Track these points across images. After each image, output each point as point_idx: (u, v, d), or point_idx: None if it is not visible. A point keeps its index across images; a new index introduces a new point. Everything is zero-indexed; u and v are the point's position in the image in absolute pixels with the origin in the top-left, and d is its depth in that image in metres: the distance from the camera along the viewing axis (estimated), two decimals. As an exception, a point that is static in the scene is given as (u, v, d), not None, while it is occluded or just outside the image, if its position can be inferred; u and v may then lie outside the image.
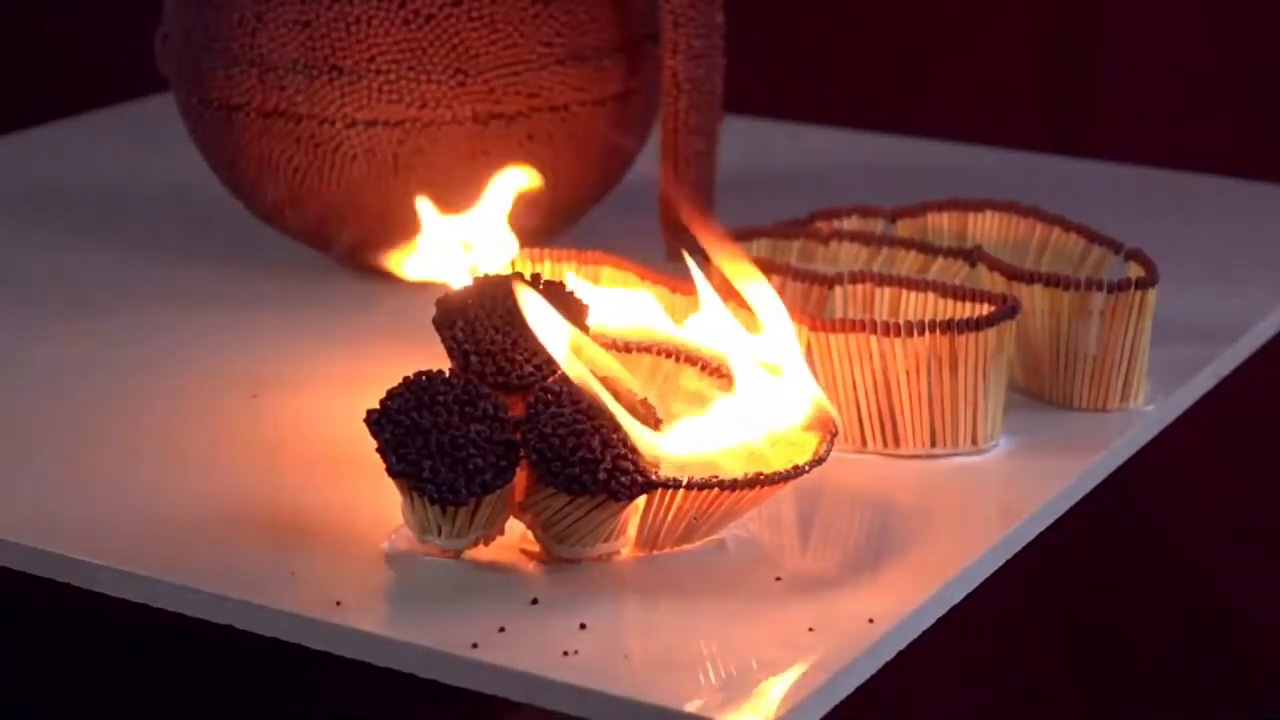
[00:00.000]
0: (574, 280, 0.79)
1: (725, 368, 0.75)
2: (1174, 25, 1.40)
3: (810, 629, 0.66)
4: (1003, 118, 1.46)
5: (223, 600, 0.69)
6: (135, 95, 1.29)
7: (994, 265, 0.86)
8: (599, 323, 0.77)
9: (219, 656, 1.23)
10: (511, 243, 0.82)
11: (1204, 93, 1.41)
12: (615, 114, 0.97)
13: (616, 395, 0.70)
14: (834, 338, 0.79)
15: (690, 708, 0.62)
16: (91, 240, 1.07)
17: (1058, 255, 0.90)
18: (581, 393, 0.70)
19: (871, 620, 0.67)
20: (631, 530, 0.71)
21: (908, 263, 0.89)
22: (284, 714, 1.28)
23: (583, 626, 0.66)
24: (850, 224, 0.93)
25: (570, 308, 0.74)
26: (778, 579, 0.70)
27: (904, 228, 0.93)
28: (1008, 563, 0.74)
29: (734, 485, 0.69)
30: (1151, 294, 0.83)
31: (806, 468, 0.70)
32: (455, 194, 0.84)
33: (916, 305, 0.83)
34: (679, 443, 0.71)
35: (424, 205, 0.82)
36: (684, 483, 0.69)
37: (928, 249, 0.89)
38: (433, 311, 0.76)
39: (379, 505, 0.73)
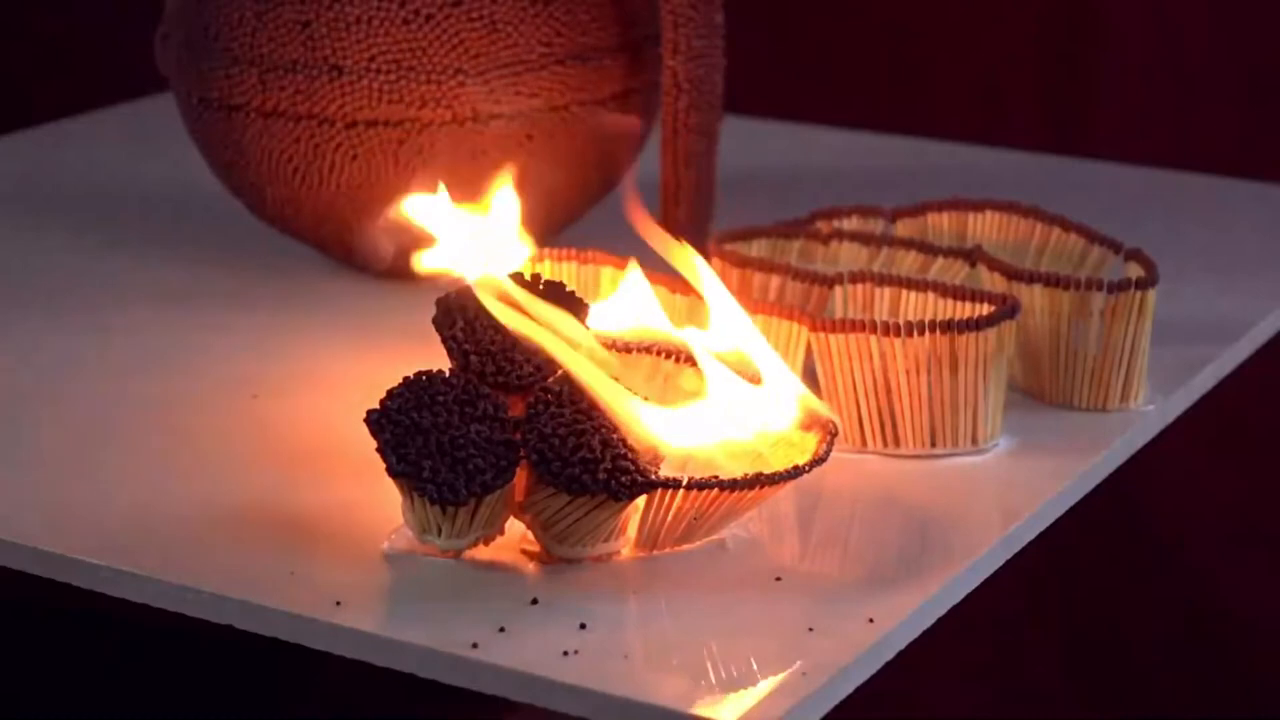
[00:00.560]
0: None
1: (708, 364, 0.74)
2: (1174, 25, 1.40)
3: (810, 629, 0.66)
4: (1003, 118, 1.46)
5: (223, 600, 0.69)
6: (135, 95, 1.29)
7: (994, 265, 0.86)
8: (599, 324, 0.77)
9: (219, 656, 1.23)
10: (524, 245, 0.81)
11: (1204, 93, 1.41)
12: (615, 114, 0.97)
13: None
14: (834, 338, 0.79)
15: (690, 708, 0.62)
16: (91, 240, 1.07)
17: (1058, 255, 0.90)
18: (571, 382, 0.70)
19: (871, 620, 0.67)
20: (631, 530, 0.71)
21: (908, 263, 0.89)
22: (284, 714, 1.28)
23: (583, 626, 0.66)
24: (850, 224, 0.93)
25: (571, 308, 0.74)
26: (778, 579, 0.70)
27: (904, 228, 0.93)
28: (1008, 563, 0.74)
29: (734, 485, 0.69)
30: (1151, 294, 0.83)
31: (806, 468, 0.70)
32: (455, 194, 0.84)
33: (916, 305, 0.83)
34: (666, 420, 0.71)
35: (439, 199, 0.81)
36: (684, 483, 0.69)
37: (928, 249, 0.89)
38: (433, 311, 0.76)
39: (379, 505, 0.73)
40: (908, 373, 0.79)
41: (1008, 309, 0.80)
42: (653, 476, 0.69)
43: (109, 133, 1.28)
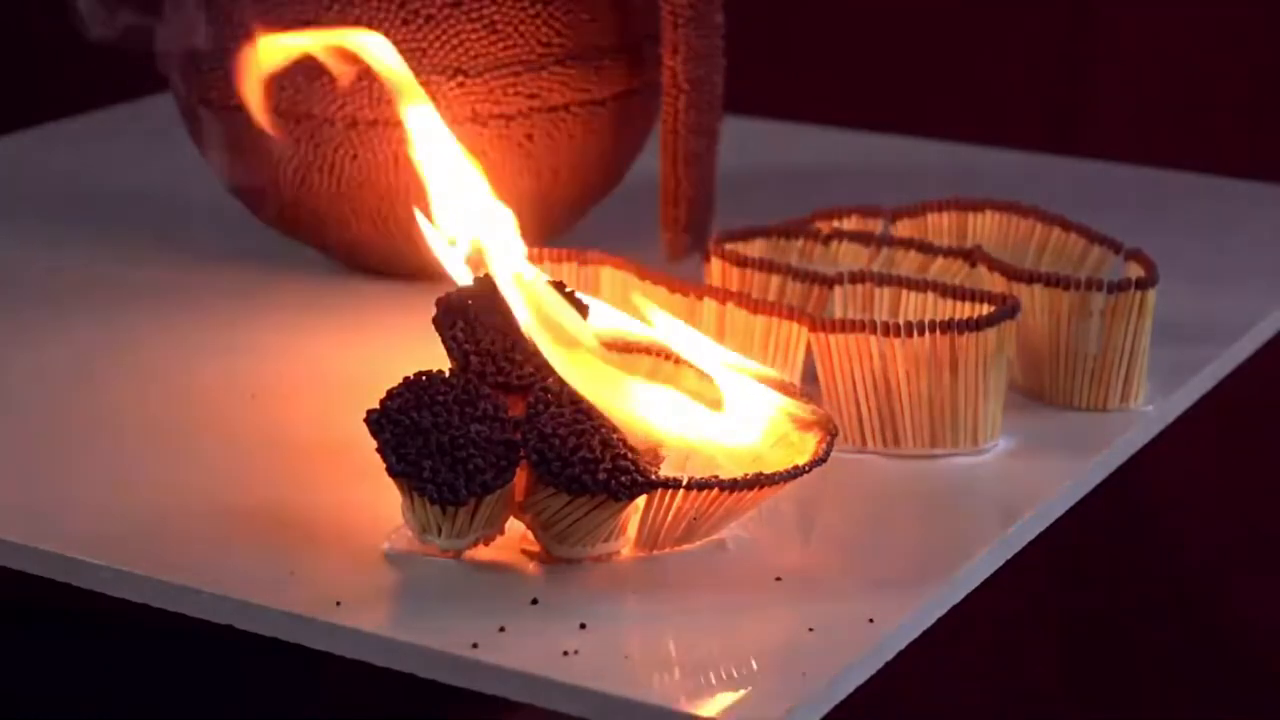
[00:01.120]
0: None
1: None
2: (1174, 25, 1.40)
3: (810, 629, 0.66)
4: (1003, 118, 1.46)
5: (222, 600, 0.69)
6: (135, 95, 1.29)
7: (994, 265, 0.86)
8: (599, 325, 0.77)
9: (219, 656, 1.23)
10: (519, 245, 0.81)
11: (1204, 93, 1.41)
12: (615, 114, 0.97)
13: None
14: (834, 338, 0.79)
15: (690, 708, 0.62)
16: (90, 240, 1.07)
17: (1058, 255, 0.90)
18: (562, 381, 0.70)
19: (871, 620, 0.67)
20: (631, 530, 0.71)
21: (908, 263, 0.89)
22: (284, 714, 1.28)
23: (583, 626, 0.66)
24: (850, 224, 0.93)
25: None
26: (778, 579, 0.70)
27: (904, 228, 0.93)
28: (1008, 563, 0.74)
29: (734, 485, 0.69)
30: (1151, 294, 0.83)
31: (806, 468, 0.70)
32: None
33: (916, 305, 0.83)
34: (653, 403, 0.71)
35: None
36: (684, 483, 0.69)
37: (928, 249, 0.89)
38: (433, 311, 0.76)
39: (379, 505, 0.73)
40: (908, 373, 0.79)
41: (1008, 309, 0.80)
42: (653, 476, 0.69)
43: (109, 133, 1.28)
